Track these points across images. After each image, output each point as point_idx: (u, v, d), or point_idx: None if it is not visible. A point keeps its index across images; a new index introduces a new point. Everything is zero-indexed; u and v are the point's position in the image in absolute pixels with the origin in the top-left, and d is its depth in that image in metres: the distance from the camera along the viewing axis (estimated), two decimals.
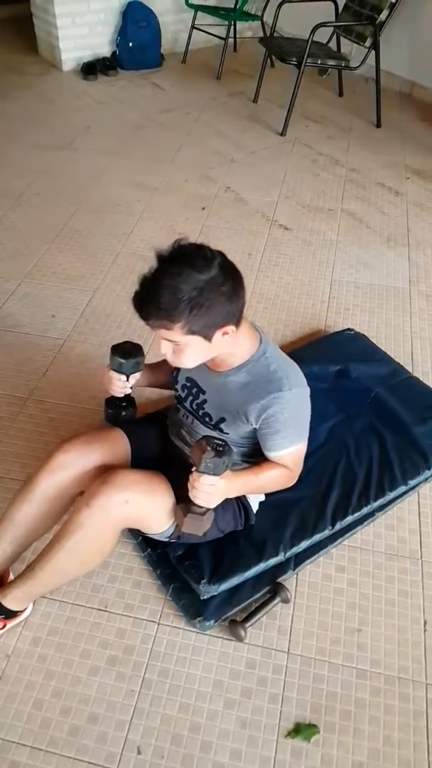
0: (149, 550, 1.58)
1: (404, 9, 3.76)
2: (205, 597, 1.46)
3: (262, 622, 1.49)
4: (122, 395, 1.50)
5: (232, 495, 1.34)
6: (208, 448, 1.18)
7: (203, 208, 3.03)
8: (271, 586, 1.52)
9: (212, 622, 1.45)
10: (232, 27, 4.44)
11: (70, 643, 1.44)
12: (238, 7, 4.33)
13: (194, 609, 1.46)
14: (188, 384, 1.44)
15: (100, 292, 2.49)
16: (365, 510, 1.65)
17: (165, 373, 1.55)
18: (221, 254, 1.21)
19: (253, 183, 3.27)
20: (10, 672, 1.39)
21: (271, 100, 4.09)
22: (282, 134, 3.73)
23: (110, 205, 3.03)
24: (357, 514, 1.64)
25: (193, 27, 4.50)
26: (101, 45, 4.50)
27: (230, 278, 1.20)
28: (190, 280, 1.14)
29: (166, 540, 1.44)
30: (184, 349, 1.23)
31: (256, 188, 3.22)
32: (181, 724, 1.33)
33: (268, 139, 3.70)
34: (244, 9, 4.35)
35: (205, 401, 1.40)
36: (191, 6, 4.39)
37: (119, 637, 1.46)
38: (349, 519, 1.63)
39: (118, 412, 1.53)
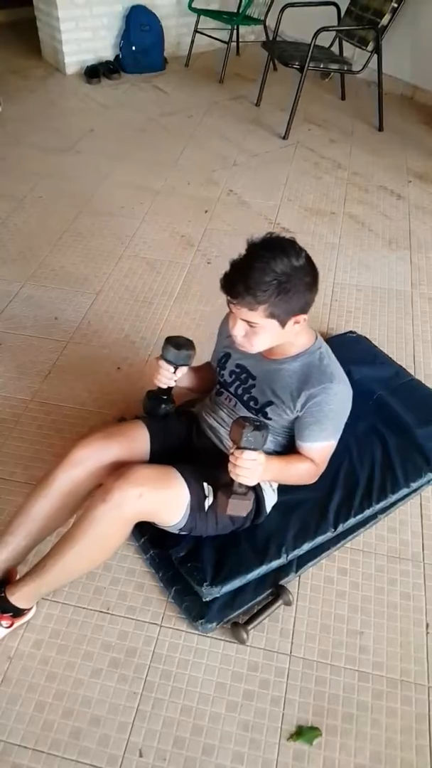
0: (151, 552, 1.58)
1: (406, 13, 3.77)
2: (208, 599, 1.46)
3: (265, 624, 1.49)
4: (165, 387, 1.54)
5: (266, 477, 1.38)
6: (247, 424, 1.23)
7: (206, 211, 3.04)
8: (274, 589, 1.51)
9: (214, 624, 1.45)
10: (235, 31, 4.46)
11: (72, 645, 1.44)
12: (240, 11, 4.35)
13: (196, 611, 1.46)
14: (237, 370, 1.52)
15: (102, 295, 2.50)
16: (367, 512, 1.65)
17: (204, 377, 1.66)
18: (305, 250, 1.31)
19: (256, 186, 3.27)
20: (12, 674, 1.39)
21: (274, 104, 4.10)
22: (284, 137, 3.74)
23: (113, 208, 3.04)
24: (359, 516, 1.64)
25: (196, 31, 4.52)
26: (104, 48, 4.52)
27: (312, 271, 1.31)
28: (281, 265, 1.24)
29: (178, 532, 1.44)
30: (259, 331, 1.31)
31: (258, 191, 3.23)
32: (183, 726, 1.33)
33: (270, 143, 3.71)
34: (247, 13, 4.37)
35: (253, 386, 1.48)
36: (194, 10, 4.41)
37: (121, 639, 1.46)
38: (352, 521, 1.63)
39: (158, 405, 1.56)
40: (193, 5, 4.41)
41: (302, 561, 1.57)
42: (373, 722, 1.35)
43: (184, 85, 4.43)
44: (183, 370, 1.51)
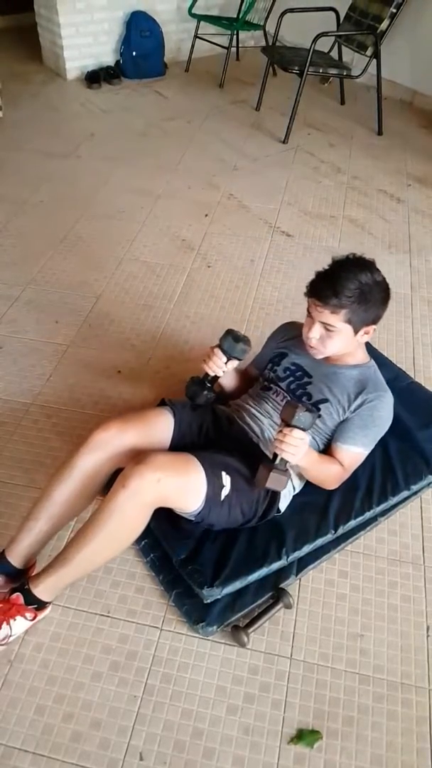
0: (152, 555, 1.58)
1: (405, 18, 3.79)
2: (208, 601, 1.45)
3: (265, 627, 1.49)
4: (213, 375, 1.59)
5: (303, 462, 1.45)
6: (300, 405, 1.35)
7: (206, 215, 3.05)
8: (274, 592, 1.51)
9: (215, 627, 1.45)
10: (235, 36, 4.48)
11: (72, 648, 1.44)
12: (240, 16, 4.37)
13: (197, 614, 1.46)
14: (293, 368, 1.65)
15: (103, 298, 2.50)
16: (368, 515, 1.65)
17: (243, 382, 1.77)
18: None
19: (256, 190, 3.28)
20: (13, 677, 1.39)
21: (274, 108, 4.12)
22: (284, 142, 3.75)
23: (114, 212, 3.05)
24: (359, 519, 1.64)
25: (196, 36, 4.53)
26: (105, 54, 4.54)
27: (387, 289, 1.51)
28: (364, 277, 1.44)
29: (193, 519, 1.45)
30: (334, 335, 1.48)
31: (258, 195, 3.24)
32: (183, 730, 1.33)
33: (270, 147, 3.72)
34: (247, 18, 4.38)
35: (309, 383, 1.61)
36: (194, 15, 4.43)
37: (122, 642, 1.46)
38: (352, 523, 1.63)
39: (201, 390, 1.60)
40: (193, 11, 4.44)
41: (302, 564, 1.57)
42: (374, 725, 1.35)
43: (184, 90, 4.45)
44: (234, 364, 1.59)
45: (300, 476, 1.61)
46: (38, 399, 2.05)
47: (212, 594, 1.44)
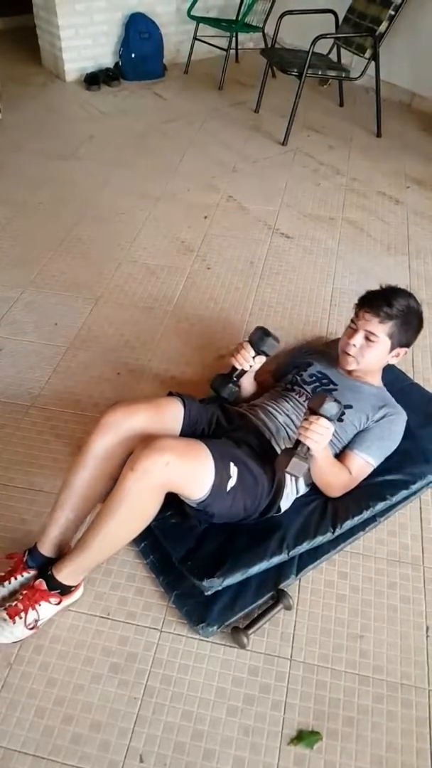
0: (152, 557, 1.58)
1: (403, 21, 3.80)
2: (209, 593, 1.45)
3: (265, 629, 1.49)
4: (239, 368, 1.66)
5: (322, 456, 1.49)
6: (329, 395, 1.42)
7: (206, 217, 3.05)
8: (274, 593, 1.52)
9: (215, 628, 1.45)
10: (234, 38, 4.49)
11: (72, 651, 1.44)
12: (239, 18, 4.38)
13: (197, 615, 1.46)
14: (319, 375, 1.76)
15: (102, 300, 2.51)
16: (366, 514, 1.65)
17: (259, 387, 1.84)
18: None
19: (255, 192, 3.29)
20: (12, 680, 1.39)
21: (273, 110, 4.13)
22: (283, 144, 3.76)
23: (113, 214, 3.05)
24: (358, 518, 1.64)
25: (195, 38, 4.55)
26: (104, 56, 4.55)
27: (422, 320, 1.71)
28: (412, 302, 1.67)
29: (196, 506, 1.45)
30: (373, 345, 1.64)
31: (257, 197, 3.24)
32: (183, 731, 1.33)
33: (269, 149, 3.73)
34: (246, 20, 4.39)
35: (335, 389, 1.70)
36: (193, 17, 4.44)
37: (122, 644, 1.46)
38: (351, 523, 1.63)
39: (226, 382, 1.68)
40: (193, 13, 4.45)
41: (302, 564, 1.57)
42: (374, 726, 1.35)
43: (183, 92, 4.46)
44: (261, 360, 1.67)
45: (307, 478, 1.62)
46: (37, 401, 2.05)
47: (213, 585, 1.44)
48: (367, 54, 3.68)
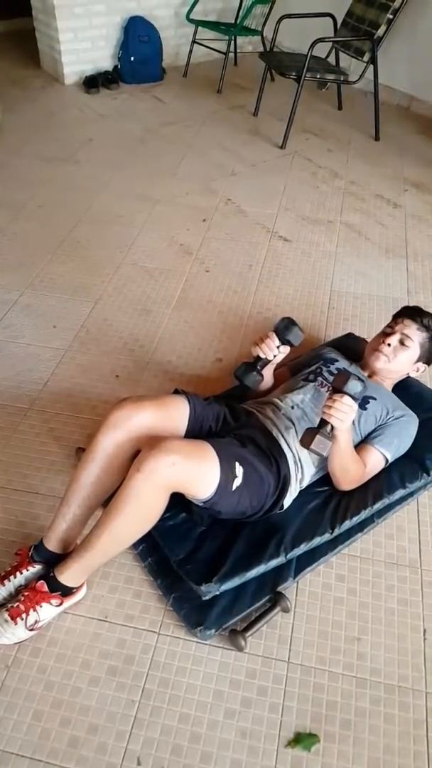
0: (150, 559, 1.58)
1: (402, 24, 3.82)
2: (207, 597, 1.45)
3: (263, 631, 1.49)
4: (263, 357, 1.66)
5: (344, 437, 1.50)
6: (352, 374, 1.44)
7: (204, 220, 3.06)
8: (272, 596, 1.52)
9: (213, 631, 1.45)
10: (233, 42, 4.50)
11: (69, 653, 1.44)
12: (238, 22, 4.40)
13: (195, 618, 1.46)
14: (342, 370, 1.71)
15: (101, 303, 2.51)
16: (364, 514, 1.65)
17: (277, 381, 1.86)
18: None
19: (254, 195, 3.30)
20: (10, 683, 1.39)
21: (272, 114, 4.14)
22: (282, 147, 3.77)
23: (112, 217, 3.06)
24: (356, 519, 1.64)
25: (194, 41, 4.56)
26: (103, 59, 4.56)
27: None
28: None
29: (201, 504, 1.45)
30: (406, 349, 1.76)
31: (256, 200, 3.25)
32: (181, 734, 1.33)
33: (268, 152, 3.74)
34: (245, 24, 4.41)
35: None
36: (192, 21, 4.45)
37: (119, 647, 1.46)
38: (349, 523, 1.63)
39: (250, 371, 1.68)
40: (191, 16, 4.46)
41: (300, 567, 1.58)
42: (371, 728, 1.35)
43: (182, 95, 4.47)
44: (286, 350, 1.66)
45: (316, 463, 1.63)
46: (36, 404, 2.06)
47: (210, 590, 1.45)
48: (366, 57, 3.70)
